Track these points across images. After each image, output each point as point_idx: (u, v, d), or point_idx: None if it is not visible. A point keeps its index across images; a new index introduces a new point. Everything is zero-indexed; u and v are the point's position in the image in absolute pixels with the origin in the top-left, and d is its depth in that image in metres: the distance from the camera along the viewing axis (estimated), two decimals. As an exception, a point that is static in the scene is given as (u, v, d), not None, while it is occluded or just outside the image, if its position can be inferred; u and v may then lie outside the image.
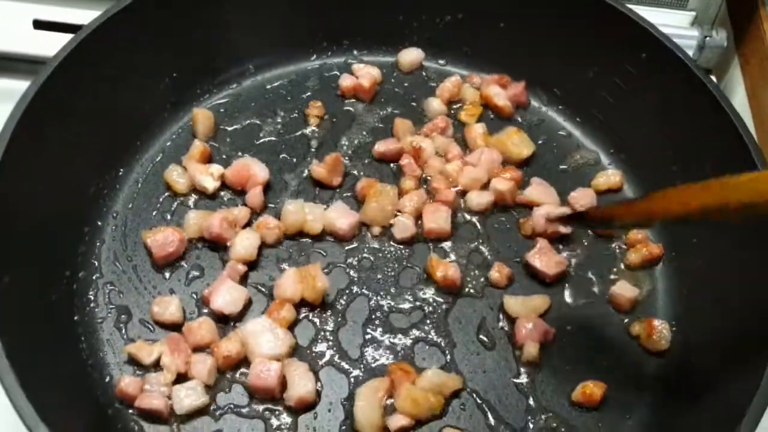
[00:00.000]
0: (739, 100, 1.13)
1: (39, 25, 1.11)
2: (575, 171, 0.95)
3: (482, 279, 0.85)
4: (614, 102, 0.96)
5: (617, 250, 0.89)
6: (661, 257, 0.87)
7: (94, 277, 0.82)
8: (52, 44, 1.06)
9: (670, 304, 0.85)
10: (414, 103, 0.99)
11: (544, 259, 0.85)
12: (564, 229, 0.87)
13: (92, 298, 0.81)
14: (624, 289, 0.84)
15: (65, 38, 1.08)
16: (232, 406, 0.75)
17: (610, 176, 0.93)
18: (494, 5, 0.98)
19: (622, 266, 0.87)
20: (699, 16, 1.14)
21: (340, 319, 0.81)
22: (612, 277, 0.87)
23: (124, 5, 0.86)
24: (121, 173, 0.89)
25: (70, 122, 0.83)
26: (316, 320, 0.81)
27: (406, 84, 1.01)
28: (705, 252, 0.84)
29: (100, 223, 0.86)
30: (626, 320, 0.84)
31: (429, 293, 0.84)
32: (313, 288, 0.79)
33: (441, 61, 1.03)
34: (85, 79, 0.84)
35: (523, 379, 0.79)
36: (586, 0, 0.93)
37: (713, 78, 1.12)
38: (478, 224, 0.89)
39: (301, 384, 0.75)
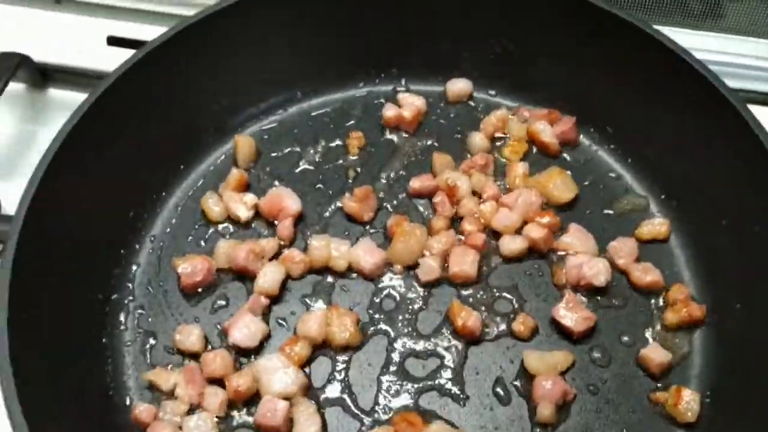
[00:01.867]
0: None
1: (113, 41, 1.17)
2: (621, 216, 0.90)
3: (505, 329, 0.83)
4: (671, 145, 0.90)
5: (654, 308, 0.84)
6: (703, 320, 0.82)
7: (126, 301, 0.86)
8: (122, 61, 1.13)
9: (705, 373, 0.79)
10: (458, 135, 0.96)
11: (571, 314, 0.81)
12: (598, 282, 0.83)
13: (122, 320, 0.84)
14: (656, 353, 0.79)
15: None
16: (239, 440, 0.78)
17: (657, 225, 0.88)
18: (549, 38, 0.93)
19: (659, 326, 0.82)
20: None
21: (356, 360, 0.81)
22: (646, 334, 0.82)
23: (178, 30, 0.88)
24: (162, 196, 0.92)
25: (118, 142, 0.86)
26: (331, 359, 0.81)
27: (452, 115, 0.99)
28: (750, 319, 0.78)
29: (137, 246, 0.89)
30: (654, 385, 0.79)
31: (448, 340, 0.82)
32: (340, 336, 0.80)
33: (491, 92, 1.00)
34: (136, 99, 0.86)
35: (536, 439, 0.77)
36: (649, 42, 0.87)
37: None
38: (508, 270, 0.86)
39: (306, 425, 0.76)
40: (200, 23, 0.89)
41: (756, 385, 0.75)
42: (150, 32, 1.17)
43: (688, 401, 0.76)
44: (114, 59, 1.12)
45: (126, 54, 1.13)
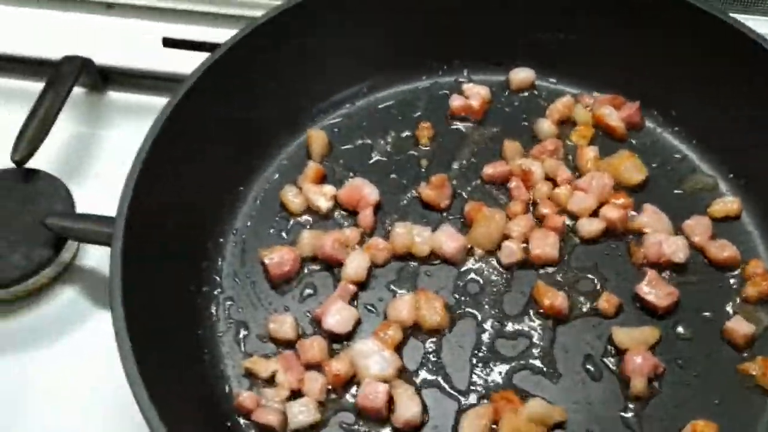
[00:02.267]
0: None
1: (168, 43, 1.18)
2: (690, 196, 0.93)
3: (590, 307, 0.85)
4: (736, 126, 0.92)
5: (733, 283, 0.86)
6: (782, 292, 0.84)
7: (215, 292, 0.87)
8: (180, 62, 1.14)
9: (790, 343, 0.82)
10: (524, 123, 0.99)
11: (655, 290, 0.83)
12: (677, 258, 0.85)
13: (213, 312, 0.86)
14: (739, 325, 0.81)
15: (192, 56, 1.16)
16: (340, 423, 0.79)
17: (728, 203, 0.90)
18: (610, 25, 0.96)
19: (738, 300, 0.85)
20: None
21: (446, 343, 0.83)
22: (727, 309, 0.84)
23: (249, 31, 0.90)
24: (240, 191, 0.94)
25: (200, 141, 0.88)
26: (423, 343, 0.83)
27: (516, 103, 1.01)
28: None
29: (221, 240, 0.91)
30: (741, 357, 0.81)
31: (535, 320, 0.84)
32: (430, 318, 0.82)
33: (552, 80, 1.02)
34: (214, 98, 0.88)
35: (630, 413, 0.78)
36: (712, 23, 0.90)
37: None
38: (586, 251, 0.88)
39: (408, 407, 0.77)
40: (270, 22, 0.92)
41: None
42: (203, 33, 1.19)
43: (777, 370, 0.78)
44: (170, 60, 1.15)
45: (182, 55, 1.17)
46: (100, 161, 1.10)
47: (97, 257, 1.00)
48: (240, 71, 0.90)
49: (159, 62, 1.15)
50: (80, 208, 0.99)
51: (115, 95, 1.16)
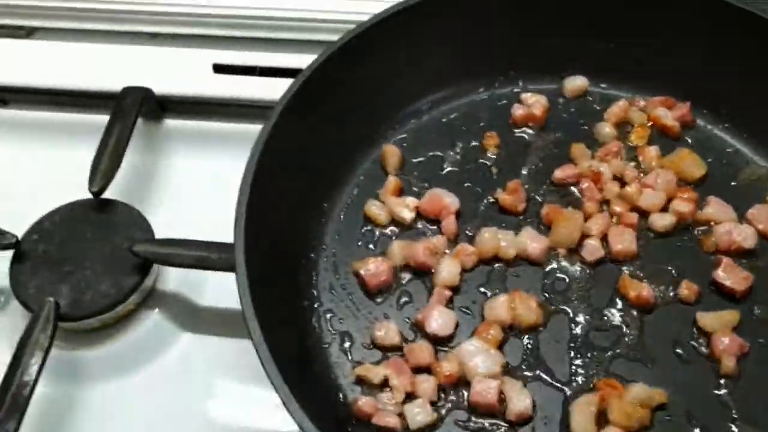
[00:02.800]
0: None
1: (219, 69, 1.22)
2: (748, 187, 0.99)
3: (671, 296, 0.90)
4: (784, 118, 0.99)
5: (799, 264, 0.92)
6: None
7: (315, 306, 0.90)
8: (230, 87, 1.18)
9: None
10: (584, 127, 1.04)
11: (731, 276, 0.89)
12: (747, 245, 0.91)
13: (316, 325, 0.89)
14: (814, 303, 0.88)
15: (244, 80, 1.19)
16: (455, 421, 0.83)
17: (785, 191, 0.97)
18: (656, 30, 1.02)
19: (809, 280, 0.91)
20: None
21: (543, 339, 0.87)
22: (799, 288, 0.91)
23: (328, 55, 0.94)
24: (325, 207, 0.98)
25: (289, 162, 0.91)
26: (521, 340, 0.87)
27: (572, 109, 1.06)
28: None
29: (313, 256, 0.94)
30: (817, 332, 0.87)
31: (623, 312, 0.89)
32: (527, 316, 0.86)
33: (603, 85, 1.08)
34: (300, 121, 0.91)
35: (723, 391, 0.84)
36: (743, 18, 0.97)
37: None
38: (661, 244, 0.94)
39: (519, 400, 0.81)
40: (345, 47, 0.96)
41: None
42: (250, 58, 1.23)
43: None
44: (222, 85, 1.19)
45: (233, 80, 1.20)
46: (164, 188, 1.12)
47: (176, 281, 1.02)
48: (319, 94, 0.94)
49: (212, 87, 1.18)
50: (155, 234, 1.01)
51: (170, 123, 1.18)
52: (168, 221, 1.04)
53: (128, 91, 1.11)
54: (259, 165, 0.85)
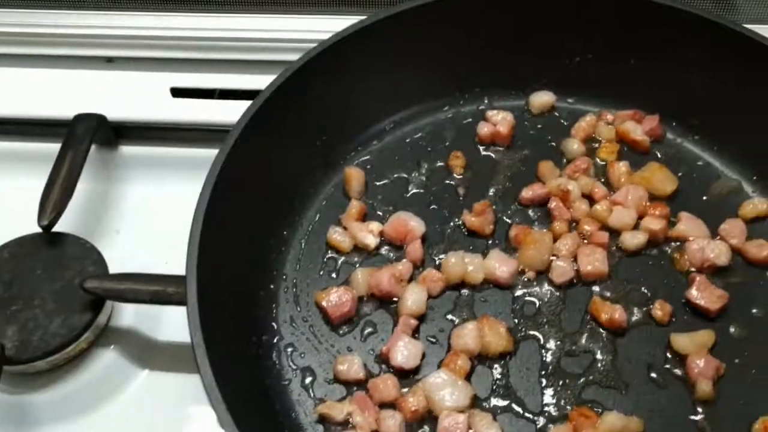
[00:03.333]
0: None
1: (177, 92, 1.18)
2: (719, 201, 0.96)
3: (644, 317, 0.87)
4: (753, 128, 0.96)
5: (774, 279, 0.90)
6: (825, 282, 0.88)
7: (275, 340, 0.87)
8: (189, 111, 1.14)
9: (838, 332, 0.86)
10: (552, 144, 1.01)
11: (705, 294, 0.86)
12: (721, 262, 0.89)
13: (276, 361, 0.85)
14: (790, 320, 0.85)
15: (203, 104, 1.16)
16: (423, 458, 0.79)
17: (757, 204, 0.94)
18: (623, 44, 1.00)
19: (785, 294, 0.88)
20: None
21: (513, 367, 0.84)
22: (773, 305, 0.88)
23: (287, 76, 0.91)
24: (284, 235, 0.94)
25: (246, 189, 0.87)
26: (490, 369, 0.84)
27: (539, 126, 1.04)
28: None
29: (272, 287, 0.90)
30: (794, 350, 0.85)
31: (595, 335, 0.86)
32: (496, 344, 0.83)
33: (570, 100, 1.05)
34: (257, 146, 0.88)
35: (700, 416, 0.81)
36: (709, 28, 0.94)
37: None
38: (632, 262, 0.91)
39: (489, 434, 0.78)
40: (305, 67, 0.92)
41: None
42: (209, 80, 1.19)
43: (833, 360, 0.82)
44: (180, 110, 1.15)
45: (191, 104, 1.17)
46: (120, 217, 1.08)
47: (131, 317, 0.98)
48: (278, 117, 0.91)
49: (171, 112, 1.14)
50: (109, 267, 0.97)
51: (126, 149, 1.14)
52: (123, 253, 1.00)
53: (80, 118, 1.07)
54: (214, 193, 0.82)
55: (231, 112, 0.97)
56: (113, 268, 0.96)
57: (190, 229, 0.79)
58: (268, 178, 0.92)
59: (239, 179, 0.86)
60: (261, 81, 0.98)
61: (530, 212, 0.96)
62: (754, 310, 0.88)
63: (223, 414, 0.67)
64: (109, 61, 1.23)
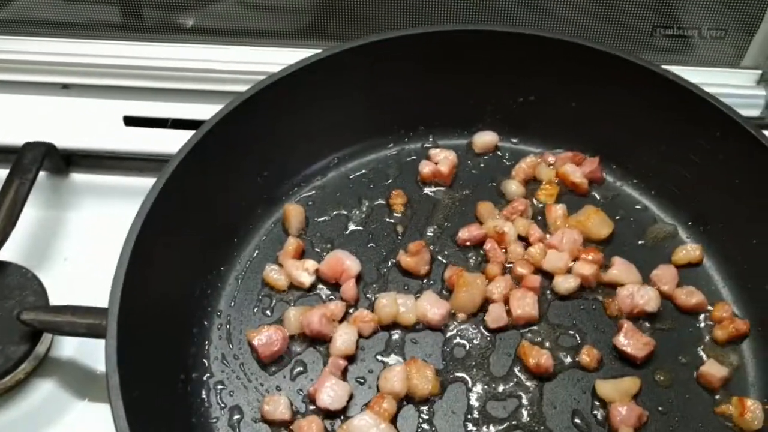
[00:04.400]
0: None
1: (130, 121, 1.19)
2: (654, 245, 0.97)
3: (572, 362, 0.88)
4: (688, 175, 0.98)
5: (703, 326, 0.91)
6: (748, 333, 0.89)
7: (204, 378, 0.87)
8: (142, 140, 1.15)
9: (761, 380, 0.86)
10: (492, 183, 1.03)
11: (632, 341, 0.87)
12: (650, 308, 0.90)
13: (205, 398, 0.86)
14: (713, 369, 0.86)
15: (156, 133, 1.16)
16: (344, 501, 0.80)
17: (690, 251, 0.95)
18: (564, 87, 1.01)
19: (709, 343, 0.89)
20: (765, 74, 1.15)
21: (439, 409, 0.85)
22: (700, 352, 0.89)
23: (230, 110, 0.92)
24: (221, 271, 0.95)
25: (182, 223, 0.88)
26: (416, 411, 0.85)
27: (482, 165, 1.05)
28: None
29: (206, 323, 0.91)
30: (717, 399, 0.85)
31: (522, 379, 0.87)
32: (423, 387, 0.84)
33: (514, 140, 1.06)
34: (196, 179, 0.89)
35: (621, 464, 0.82)
36: (649, 76, 0.96)
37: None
38: (564, 306, 0.92)
39: (409, 479, 0.79)
40: (250, 100, 0.93)
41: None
42: (162, 109, 1.20)
43: (752, 410, 0.82)
44: (133, 139, 1.16)
45: (144, 133, 1.17)
46: (67, 245, 1.08)
47: (72, 347, 0.98)
48: (219, 150, 0.92)
49: (123, 141, 1.15)
50: (52, 296, 0.97)
51: (77, 177, 1.14)
52: (70, 282, 1.01)
53: (29, 146, 1.07)
54: (146, 225, 0.82)
55: (183, 142, 0.98)
56: (58, 297, 0.97)
57: (117, 262, 0.80)
58: (207, 212, 0.93)
59: (176, 211, 0.87)
60: (215, 111, 0.99)
61: (467, 253, 0.97)
62: (680, 358, 0.88)
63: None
64: (65, 88, 1.24)
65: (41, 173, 1.12)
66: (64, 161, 1.12)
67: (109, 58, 1.21)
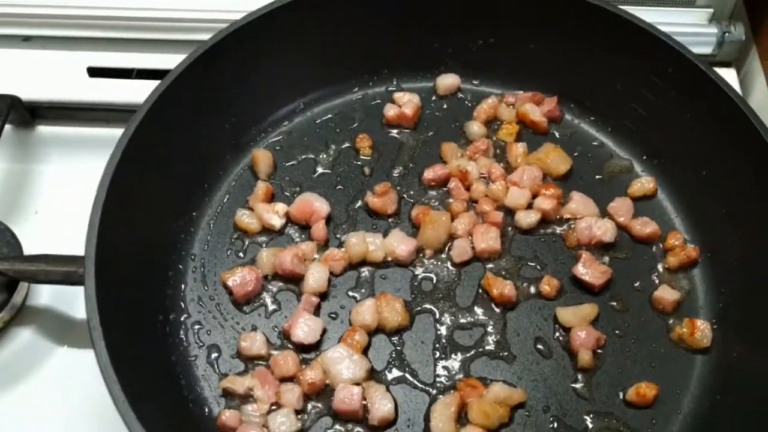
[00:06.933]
0: (761, 88, 1.18)
1: (94, 72, 1.18)
2: (611, 179, 1.02)
3: (534, 292, 0.92)
4: (643, 111, 1.01)
5: (656, 253, 0.96)
6: (698, 259, 0.94)
7: (182, 318, 0.90)
8: (107, 91, 1.15)
9: (709, 303, 0.92)
10: (455, 124, 1.05)
11: (590, 270, 0.92)
12: (607, 239, 0.94)
13: (183, 338, 0.89)
14: (666, 293, 0.91)
15: (120, 83, 1.16)
16: (319, 428, 0.84)
17: (644, 183, 1.00)
18: (523, 29, 1.03)
19: (662, 270, 0.94)
20: (716, 13, 1.19)
21: (408, 340, 0.89)
22: (653, 278, 0.94)
23: (197, 56, 0.93)
24: (194, 216, 0.97)
25: (154, 171, 0.90)
26: (387, 342, 0.89)
27: (445, 107, 1.07)
28: (738, 251, 0.91)
29: (181, 267, 0.93)
30: (670, 321, 0.91)
31: (487, 309, 0.91)
32: (392, 319, 0.87)
33: (475, 82, 1.09)
34: (165, 127, 0.90)
35: (580, 384, 0.87)
36: (603, 16, 0.98)
37: (734, 71, 1.18)
38: (525, 240, 0.96)
39: (381, 404, 0.83)
40: (215, 47, 0.94)
41: (753, 304, 0.88)
42: (126, 60, 1.20)
43: (702, 330, 0.88)
44: (98, 90, 1.16)
45: (108, 83, 1.17)
46: (37, 197, 1.09)
47: (48, 296, 1.00)
48: (187, 98, 0.93)
49: (87, 92, 1.15)
50: (26, 246, 0.99)
51: (44, 129, 1.15)
52: (41, 233, 1.02)
53: (-7, 99, 1.08)
54: (117, 173, 0.84)
55: (148, 92, 0.99)
56: (31, 248, 0.98)
57: (91, 209, 0.81)
58: (177, 159, 0.94)
59: (146, 159, 0.89)
60: (179, 60, 1.00)
61: (432, 192, 1.00)
62: (635, 284, 0.93)
63: (117, 393, 0.70)
64: (26, 40, 1.22)
65: (7, 126, 1.12)
66: (30, 114, 1.13)
67: (70, 8, 1.19)
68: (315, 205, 0.95)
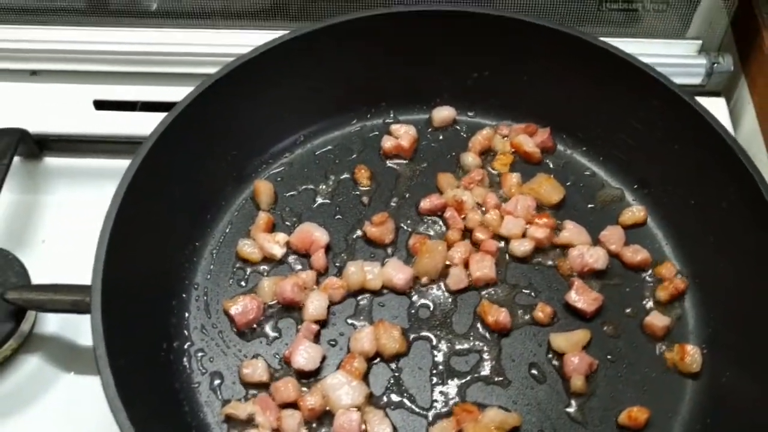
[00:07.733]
0: (750, 117, 1.21)
1: (100, 105, 1.22)
2: (603, 208, 1.04)
3: (528, 318, 0.95)
4: (632, 141, 1.04)
5: (647, 280, 0.98)
6: (686, 290, 0.96)
7: (185, 346, 0.92)
8: (113, 123, 1.18)
9: (699, 328, 0.94)
10: (451, 155, 1.08)
11: (582, 297, 0.94)
12: (599, 266, 0.97)
13: (187, 365, 0.91)
14: (657, 319, 0.93)
15: (125, 116, 1.20)
16: (320, 453, 0.86)
17: (635, 212, 1.02)
18: (516, 63, 1.07)
19: (653, 297, 0.97)
20: (705, 44, 1.22)
21: (406, 366, 0.91)
22: (644, 304, 0.96)
23: (203, 89, 0.97)
24: (197, 246, 0.99)
25: (158, 201, 0.93)
26: (385, 368, 0.91)
27: (441, 138, 1.11)
28: (727, 277, 0.94)
29: (184, 295, 0.96)
30: (661, 347, 0.93)
31: (482, 336, 0.94)
32: (390, 346, 0.90)
33: (470, 114, 1.12)
34: (170, 158, 0.93)
35: (573, 408, 0.89)
36: (589, 49, 1.02)
37: (723, 100, 1.21)
38: (520, 268, 0.99)
39: (380, 429, 0.85)
40: (221, 81, 0.98)
41: (742, 329, 0.90)
42: (131, 93, 1.23)
43: (692, 354, 0.90)
44: (103, 122, 1.19)
45: (114, 116, 1.21)
46: (45, 227, 1.12)
47: (55, 324, 1.02)
48: (192, 130, 0.96)
49: (94, 124, 1.18)
50: (33, 275, 1.01)
51: (51, 160, 1.18)
52: (48, 263, 1.05)
53: (2, 132, 1.11)
54: (124, 204, 0.87)
55: (153, 124, 1.02)
56: (38, 278, 1.01)
57: (97, 240, 0.84)
58: (181, 190, 0.97)
59: (151, 190, 0.91)
60: (183, 93, 1.03)
61: (428, 222, 1.03)
62: (627, 310, 0.96)
63: (123, 421, 0.72)
64: (33, 74, 1.26)
65: (16, 158, 1.16)
66: (38, 146, 1.16)
67: (76, 43, 1.23)
68: (315, 234, 0.98)
